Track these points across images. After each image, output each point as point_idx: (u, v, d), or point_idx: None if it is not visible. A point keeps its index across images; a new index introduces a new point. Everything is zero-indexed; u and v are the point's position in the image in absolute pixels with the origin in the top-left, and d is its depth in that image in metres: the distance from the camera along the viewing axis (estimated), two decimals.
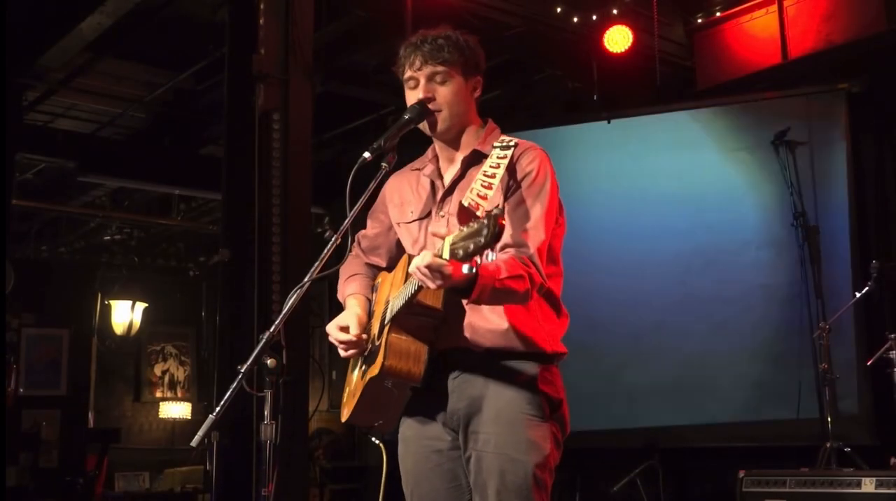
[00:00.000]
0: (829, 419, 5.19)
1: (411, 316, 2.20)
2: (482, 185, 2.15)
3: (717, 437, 6.47)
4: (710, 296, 6.44)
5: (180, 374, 11.79)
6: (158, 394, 11.57)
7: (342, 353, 2.41)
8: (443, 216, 2.39)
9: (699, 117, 6.81)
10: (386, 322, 2.24)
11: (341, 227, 2.22)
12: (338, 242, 2.22)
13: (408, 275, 2.18)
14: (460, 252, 1.90)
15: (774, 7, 6.41)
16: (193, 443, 2.02)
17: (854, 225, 6.31)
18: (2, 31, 5.31)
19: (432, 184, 2.46)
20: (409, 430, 2.41)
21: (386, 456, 2.42)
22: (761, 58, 6.56)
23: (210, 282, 10.94)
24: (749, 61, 6.64)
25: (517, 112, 7.86)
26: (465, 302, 2.18)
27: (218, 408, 2.06)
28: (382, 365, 2.18)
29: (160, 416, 11.42)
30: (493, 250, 2.15)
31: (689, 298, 6.55)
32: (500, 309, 2.26)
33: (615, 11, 6.44)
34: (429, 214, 2.43)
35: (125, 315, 10.66)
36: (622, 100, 7.10)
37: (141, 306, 10.75)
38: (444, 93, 2.37)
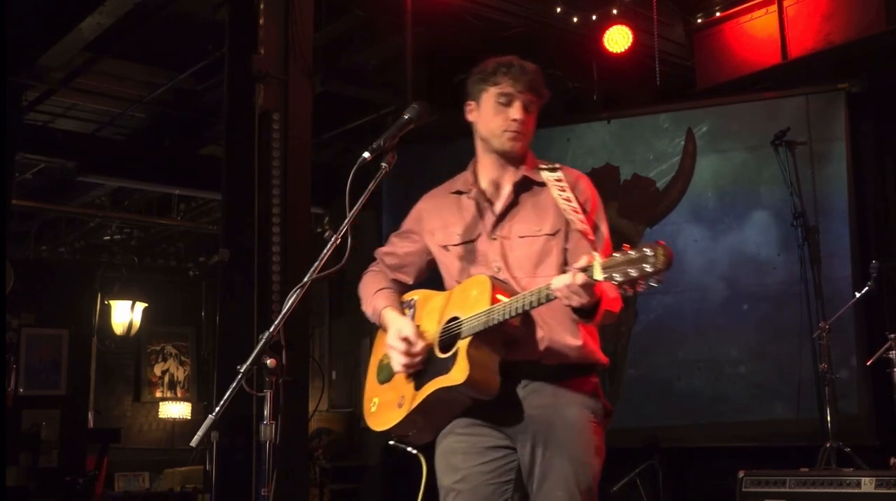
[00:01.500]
0: (829, 419, 5.18)
1: (493, 332, 2.33)
2: (573, 210, 2.37)
3: (717, 437, 6.47)
4: (710, 296, 6.45)
5: (180, 374, 11.79)
6: (158, 394, 11.57)
7: (398, 365, 2.47)
8: (495, 239, 2.52)
9: (699, 117, 6.81)
10: (465, 336, 2.35)
11: (341, 227, 2.22)
12: (337, 242, 2.22)
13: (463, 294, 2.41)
14: (618, 276, 2.03)
15: (774, 7, 6.41)
16: (193, 443, 2.02)
17: (854, 225, 6.31)
18: (2, 31, 5.31)
19: (478, 206, 2.57)
20: (462, 428, 2.48)
21: (426, 467, 2.51)
22: (761, 58, 6.56)
23: (210, 282, 10.94)
24: (749, 61, 6.64)
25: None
26: (574, 319, 2.34)
27: (217, 408, 2.06)
28: (469, 376, 2.29)
29: (160, 416, 11.42)
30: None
31: (689, 298, 6.55)
32: (574, 326, 2.44)
33: (615, 11, 6.45)
34: (476, 237, 2.54)
35: (125, 315, 10.66)
36: (622, 100, 7.11)
37: (141, 306, 10.75)
38: (529, 121, 2.56)
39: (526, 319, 2.38)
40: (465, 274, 2.53)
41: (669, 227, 6.64)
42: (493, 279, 2.40)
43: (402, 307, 2.65)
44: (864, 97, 6.42)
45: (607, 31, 6.42)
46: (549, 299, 2.22)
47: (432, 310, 2.54)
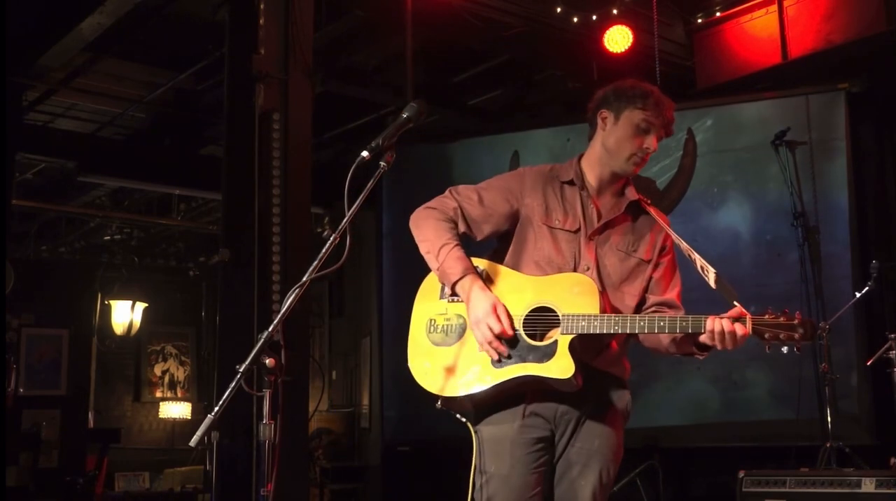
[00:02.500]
0: (829, 419, 5.19)
1: (594, 336, 2.48)
2: (685, 249, 2.64)
3: (717, 437, 6.47)
4: (710, 296, 6.43)
5: (180, 374, 11.80)
6: (158, 394, 11.58)
7: (486, 343, 2.46)
8: (592, 240, 2.63)
9: (699, 117, 6.81)
10: (568, 332, 2.44)
11: (340, 227, 2.22)
12: (336, 241, 2.22)
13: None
14: (766, 335, 2.42)
15: (774, 7, 6.41)
16: (192, 443, 2.02)
17: (854, 225, 6.30)
18: (2, 31, 5.31)
19: (582, 203, 2.66)
20: (509, 416, 2.56)
21: (476, 435, 2.59)
22: (761, 58, 6.56)
23: (210, 282, 10.95)
24: (749, 61, 6.65)
25: (517, 112, 7.87)
26: (690, 350, 2.60)
27: (217, 408, 2.06)
28: (575, 371, 2.42)
29: (160, 416, 11.43)
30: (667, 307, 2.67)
31: (689, 298, 6.54)
32: (620, 345, 2.65)
33: (615, 11, 6.45)
34: (575, 230, 2.63)
35: (125, 315, 10.67)
36: None
37: (141, 306, 10.76)
38: (653, 150, 2.70)
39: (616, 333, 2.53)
40: (550, 261, 2.59)
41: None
42: (598, 286, 2.51)
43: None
44: (864, 97, 6.42)
45: (607, 31, 6.42)
46: (696, 330, 2.45)
47: (510, 289, 2.55)
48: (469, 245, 2.67)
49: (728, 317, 2.41)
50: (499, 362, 2.48)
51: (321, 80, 6.37)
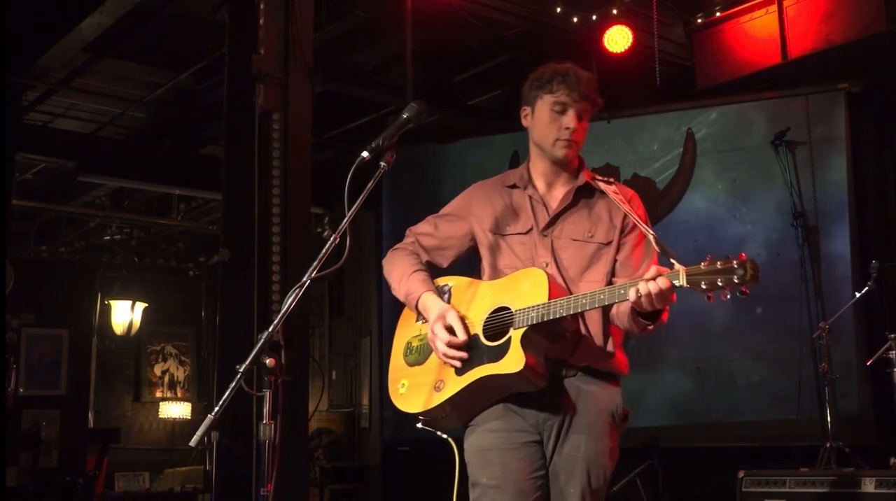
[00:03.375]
0: (829, 419, 5.19)
1: (549, 326, 2.38)
2: (641, 220, 2.50)
3: (717, 437, 6.47)
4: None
5: (180, 374, 11.80)
6: (158, 394, 11.58)
7: (442, 354, 2.47)
8: (546, 237, 2.58)
9: (699, 117, 6.81)
10: (519, 326, 2.39)
11: (340, 227, 2.22)
12: (336, 242, 2.22)
13: (502, 286, 2.48)
14: (704, 285, 2.15)
15: (774, 7, 6.40)
16: (192, 443, 2.02)
17: (854, 225, 6.30)
18: (2, 31, 5.31)
19: (531, 202, 2.63)
20: (493, 423, 2.53)
21: (458, 452, 2.54)
22: (761, 58, 6.55)
23: (210, 282, 10.95)
24: (749, 61, 6.64)
25: (517, 112, 7.85)
26: (635, 321, 2.40)
27: (217, 408, 2.06)
28: (525, 365, 2.33)
29: (160, 416, 11.43)
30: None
31: (689, 298, 6.54)
32: (610, 336, 2.54)
33: (615, 11, 6.44)
34: (527, 231, 2.60)
35: (125, 315, 10.67)
36: (622, 100, 7.10)
37: (141, 306, 10.76)
38: (582, 128, 2.61)
39: (575, 318, 2.45)
40: (511, 265, 2.58)
41: (669, 227, 6.64)
42: (548, 273, 2.45)
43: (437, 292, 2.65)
44: (864, 97, 6.42)
45: (607, 31, 6.42)
46: (621, 298, 2.28)
47: (474, 298, 2.56)
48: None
49: (662, 275, 2.24)
50: (461, 368, 2.46)
51: (321, 80, 6.37)
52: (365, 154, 2.28)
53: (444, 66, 7.27)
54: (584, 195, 2.62)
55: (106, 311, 10.55)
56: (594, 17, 6.49)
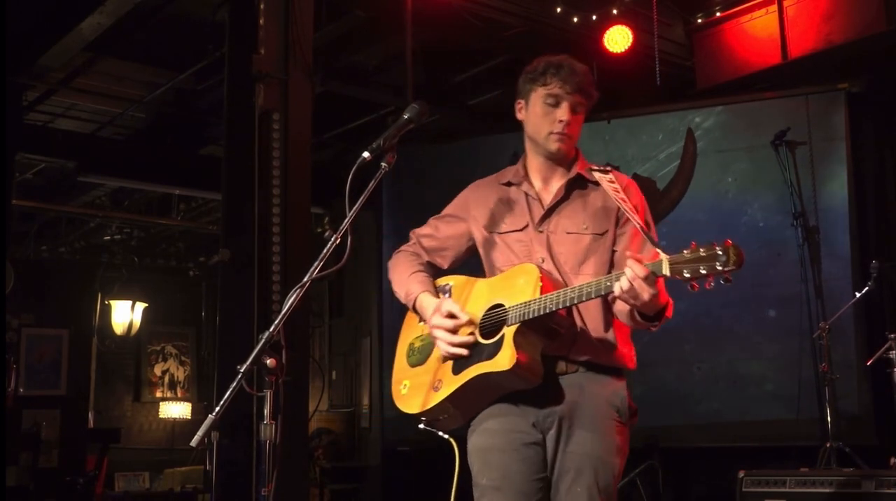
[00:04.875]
0: (829, 419, 5.19)
1: (541, 321, 2.34)
2: (631, 210, 2.41)
3: (717, 437, 6.47)
4: (710, 296, 6.43)
5: (180, 374, 11.80)
6: (158, 394, 11.58)
7: (446, 344, 2.45)
8: (541, 232, 2.55)
9: (699, 117, 6.81)
10: (512, 323, 2.36)
11: (341, 227, 2.22)
12: (337, 242, 2.22)
13: (499, 283, 2.45)
14: (686, 273, 2.07)
15: (774, 7, 6.40)
16: (193, 443, 2.02)
17: (854, 225, 6.31)
18: (2, 31, 5.31)
19: (527, 198, 2.60)
20: (495, 423, 2.50)
21: (458, 451, 2.51)
22: (761, 58, 6.55)
23: (210, 282, 10.95)
24: (749, 61, 6.64)
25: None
26: (635, 320, 2.36)
27: (217, 408, 2.06)
28: (516, 363, 2.31)
29: (160, 416, 11.43)
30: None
31: (689, 298, 6.54)
32: (611, 328, 2.49)
33: (615, 11, 6.44)
34: (523, 228, 2.58)
35: (125, 315, 10.67)
36: (622, 100, 7.10)
37: (141, 306, 10.76)
38: (577, 122, 2.56)
39: (569, 313, 2.41)
40: (508, 263, 2.56)
41: (669, 227, 6.64)
42: (541, 268, 2.42)
43: (437, 292, 2.65)
44: (864, 97, 6.42)
45: (607, 31, 6.42)
46: (608, 291, 2.23)
47: (472, 296, 2.55)
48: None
49: (642, 264, 2.17)
50: (458, 367, 2.45)
51: (321, 80, 6.37)
52: (366, 154, 2.28)
53: (444, 66, 7.27)
54: (577, 187, 2.59)
55: (106, 311, 10.55)
56: (594, 17, 6.49)
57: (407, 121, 2.36)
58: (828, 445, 5.07)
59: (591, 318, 2.48)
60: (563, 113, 2.52)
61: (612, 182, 2.51)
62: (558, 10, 6.41)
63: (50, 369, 7.47)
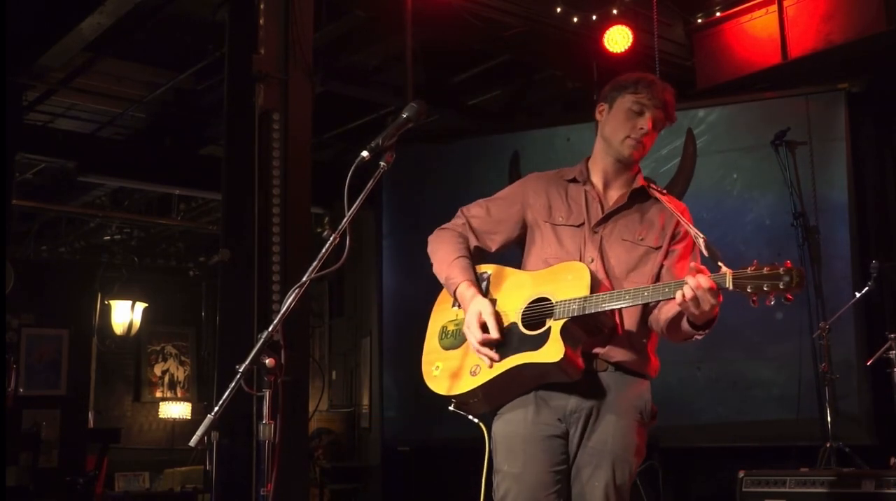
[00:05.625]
0: (829, 419, 5.19)
1: (589, 319, 2.44)
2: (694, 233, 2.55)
3: (717, 437, 6.46)
4: None
5: (180, 374, 11.80)
6: (158, 394, 11.58)
7: (479, 344, 2.50)
8: (596, 233, 2.63)
9: (699, 117, 6.80)
10: (559, 317, 2.44)
11: (340, 227, 2.22)
12: (336, 241, 2.22)
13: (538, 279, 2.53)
14: (749, 288, 2.21)
15: (774, 7, 6.40)
16: (192, 443, 2.02)
17: (854, 225, 6.30)
18: (2, 31, 5.31)
19: (587, 197, 2.68)
20: (522, 413, 2.56)
21: (487, 434, 2.60)
22: (761, 58, 6.55)
23: (210, 282, 10.95)
24: (749, 61, 6.64)
25: (517, 112, 7.87)
26: (683, 328, 2.48)
27: (217, 408, 2.06)
28: (564, 356, 2.38)
29: (160, 416, 11.43)
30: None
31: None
32: (645, 337, 2.62)
33: (615, 11, 6.44)
34: (579, 225, 2.64)
35: (125, 315, 10.67)
36: None
37: (141, 306, 10.76)
38: (652, 137, 2.66)
39: (614, 314, 2.51)
40: (556, 256, 2.61)
41: None
42: (591, 269, 2.48)
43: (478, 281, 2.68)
44: (864, 97, 6.41)
45: (607, 31, 6.42)
46: (665, 297, 2.34)
47: (513, 287, 2.60)
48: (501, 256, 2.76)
49: (708, 275, 2.30)
50: (500, 354, 2.50)
51: (321, 80, 6.37)
52: (365, 154, 2.29)
53: (444, 66, 7.27)
54: (638, 199, 2.67)
55: (106, 311, 10.55)
56: (594, 17, 6.50)
57: (406, 120, 2.37)
58: (828, 445, 5.07)
59: (630, 323, 2.56)
60: (644, 121, 2.61)
61: (670, 203, 2.64)
62: (558, 10, 6.41)
63: (50, 369, 7.47)
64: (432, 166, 7.17)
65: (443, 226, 2.80)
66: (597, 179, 2.70)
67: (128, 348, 11.22)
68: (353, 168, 2.22)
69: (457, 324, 2.65)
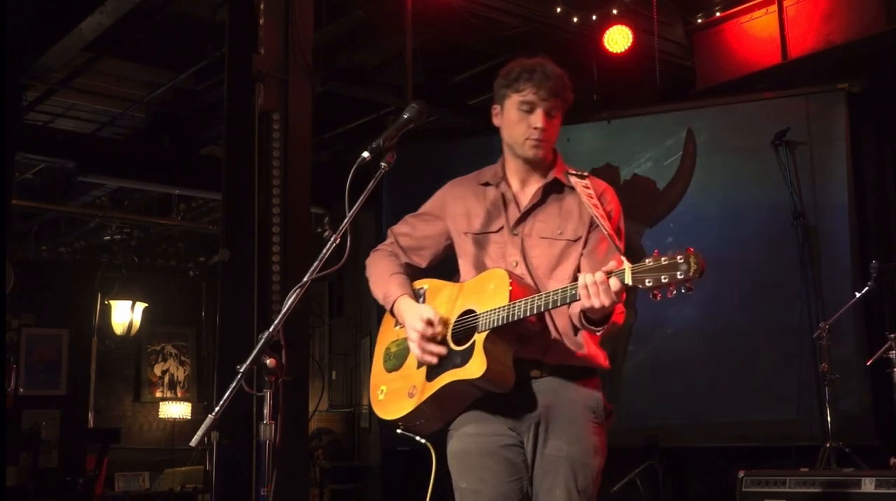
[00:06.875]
0: (829, 419, 5.19)
1: (511, 327, 2.33)
2: (601, 216, 2.41)
3: (717, 437, 6.47)
4: (710, 297, 6.45)
5: (180, 374, 11.80)
6: (158, 394, 11.58)
7: (420, 351, 2.44)
8: (516, 235, 2.54)
9: (699, 117, 6.81)
10: (482, 330, 2.35)
11: (340, 227, 2.22)
12: (337, 242, 2.22)
13: (466, 288, 2.44)
14: (649, 282, 2.05)
15: (774, 7, 6.40)
16: (193, 443, 2.02)
17: (854, 225, 6.30)
18: (2, 31, 5.31)
19: (503, 199, 2.58)
20: (471, 427, 2.50)
21: (435, 456, 2.52)
22: (761, 58, 6.55)
23: (210, 282, 10.95)
24: (749, 61, 6.64)
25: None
26: (581, 323, 2.32)
27: (217, 408, 2.06)
28: (487, 370, 2.29)
29: (160, 416, 11.43)
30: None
31: (689, 298, 6.54)
32: (581, 331, 2.43)
33: (615, 11, 6.44)
34: (497, 230, 2.56)
35: (125, 315, 10.66)
36: (622, 101, 7.10)
37: (141, 306, 10.76)
38: (553, 126, 2.56)
39: (540, 318, 2.39)
40: (481, 264, 2.55)
41: (669, 227, 6.65)
42: (511, 274, 2.41)
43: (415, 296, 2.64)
44: (864, 97, 6.42)
45: (607, 32, 6.42)
46: (573, 299, 2.21)
47: (444, 301, 2.53)
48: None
49: (604, 271, 2.15)
50: (432, 374, 2.44)
51: (321, 80, 6.37)
52: (366, 154, 2.28)
53: (444, 66, 7.27)
54: (554, 191, 2.57)
55: (106, 311, 10.55)
56: (594, 17, 6.49)
57: (406, 120, 2.36)
58: (828, 445, 5.07)
59: (561, 323, 2.46)
60: (537, 119, 2.52)
61: (588, 187, 2.52)
62: (558, 10, 6.41)
63: (50, 369, 7.47)
64: (432, 166, 7.17)
65: (376, 247, 2.77)
66: (513, 178, 2.62)
67: (128, 348, 11.22)
68: (353, 168, 2.22)
69: (398, 345, 2.60)
